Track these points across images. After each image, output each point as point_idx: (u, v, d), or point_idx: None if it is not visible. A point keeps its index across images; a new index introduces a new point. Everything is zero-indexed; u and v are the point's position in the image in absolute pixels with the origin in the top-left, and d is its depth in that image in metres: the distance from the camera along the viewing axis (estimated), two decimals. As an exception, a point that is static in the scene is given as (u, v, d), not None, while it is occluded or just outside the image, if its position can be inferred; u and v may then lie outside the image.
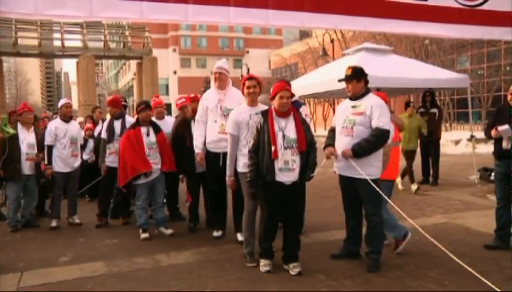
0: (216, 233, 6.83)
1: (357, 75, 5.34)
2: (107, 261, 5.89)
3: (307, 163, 5.13)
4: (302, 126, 5.16)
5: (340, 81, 5.47)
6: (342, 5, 4.40)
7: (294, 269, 5.15)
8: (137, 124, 7.08)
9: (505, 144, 5.89)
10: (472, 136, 12.24)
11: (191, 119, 7.31)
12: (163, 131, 7.21)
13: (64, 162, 7.82)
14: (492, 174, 7.29)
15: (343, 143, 5.33)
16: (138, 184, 7.01)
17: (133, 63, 44.28)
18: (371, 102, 5.27)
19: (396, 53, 14.96)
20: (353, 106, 5.30)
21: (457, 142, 20.87)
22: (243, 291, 4.81)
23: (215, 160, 6.53)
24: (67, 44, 32.68)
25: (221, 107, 6.51)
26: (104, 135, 7.88)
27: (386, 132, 5.23)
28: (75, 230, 7.66)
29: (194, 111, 7.10)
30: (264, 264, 5.30)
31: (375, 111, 5.19)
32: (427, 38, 21.24)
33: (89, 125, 10.21)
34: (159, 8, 3.85)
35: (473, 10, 4.94)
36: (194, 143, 6.71)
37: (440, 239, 6.45)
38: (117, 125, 7.86)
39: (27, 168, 7.45)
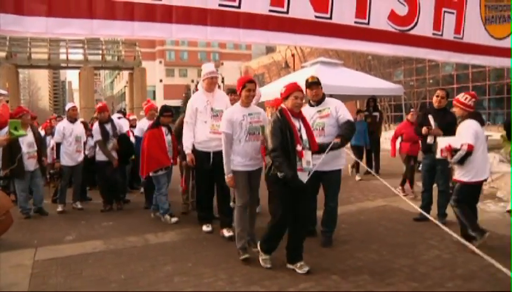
0: (228, 234, 5.70)
1: (319, 82, 5.39)
2: (105, 240, 5.88)
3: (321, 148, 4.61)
4: (310, 127, 4.65)
5: (309, 85, 5.41)
6: (301, 26, 4.42)
7: (302, 267, 4.44)
8: (159, 124, 6.91)
9: (429, 139, 6.13)
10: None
11: None
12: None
13: (70, 157, 7.86)
14: (420, 165, 7.51)
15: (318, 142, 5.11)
16: (159, 175, 6.80)
17: (125, 73, 43.82)
18: (334, 104, 5.31)
19: (345, 66, 15.11)
20: (319, 111, 5.27)
21: (394, 139, 21.00)
22: (218, 264, 4.82)
23: (205, 159, 5.84)
24: (71, 57, 32.28)
25: (211, 109, 5.86)
26: (98, 137, 7.77)
27: (354, 123, 5.33)
28: (78, 214, 7.61)
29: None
30: (264, 259, 4.64)
31: (340, 110, 5.23)
32: (369, 54, 21.53)
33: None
34: (148, 27, 3.82)
35: (404, 33, 5.03)
36: (184, 145, 5.99)
37: (381, 218, 6.61)
38: (108, 127, 7.85)
39: (29, 165, 7.23)
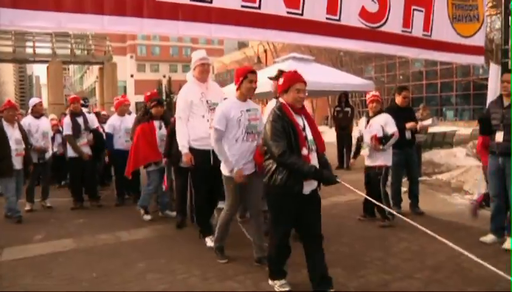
0: (211, 244, 5.05)
1: (280, 77, 5.35)
2: (75, 238, 5.75)
3: (324, 163, 3.78)
4: (315, 124, 3.86)
5: (270, 78, 5.41)
6: (273, 21, 4.45)
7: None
8: (150, 118, 6.63)
9: (407, 135, 6.32)
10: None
11: None
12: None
13: (37, 154, 7.55)
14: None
15: None
16: (150, 170, 6.61)
17: (95, 68, 43.15)
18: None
19: (317, 62, 15.21)
20: None
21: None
22: (192, 260, 4.81)
23: (205, 158, 5.03)
24: (38, 51, 31.44)
25: (207, 101, 5.12)
26: (69, 131, 7.50)
27: None
28: (47, 213, 7.44)
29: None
30: (281, 285, 3.90)
31: None
32: (341, 50, 21.74)
33: (55, 121, 9.82)
34: (118, 21, 3.77)
35: (375, 30, 5.12)
36: (180, 143, 5.15)
37: (352, 212, 6.70)
38: (80, 120, 7.61)
39: (17, 163, 6.86)
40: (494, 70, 6.50)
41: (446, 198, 7.75)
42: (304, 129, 3.64)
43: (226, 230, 4.66)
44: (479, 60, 6.81)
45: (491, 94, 6.32)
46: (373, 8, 5.13)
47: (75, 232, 6.07)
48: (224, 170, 4.45)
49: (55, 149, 8.87)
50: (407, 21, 5.53)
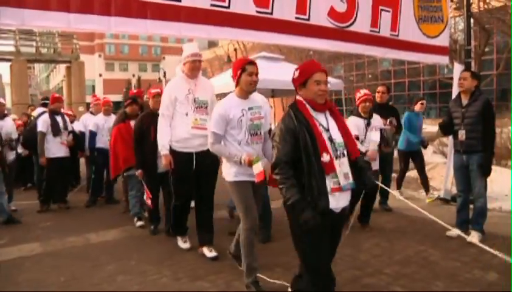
0: (210, 254, 4.72)
1: None
2: (42, 242, 5.62)
3: (362, 168, 3.09)
4: (345, 123, 3.17)
5: None
6: (242, 20, 4.46)
7: None
8: (126, 118, 6.30)
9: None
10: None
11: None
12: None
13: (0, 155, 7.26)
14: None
15: None
16: (130, 174, 6.23)
17: (62, 66, 42.12)
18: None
19: (287, 61, 15.29)
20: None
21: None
22: (162, 261, 4.78)
23: (187, 162, 4.63)
24: (0, 48, 30.44)
25: (194, 100, 4.64)
26: (44, 128, 7.25)
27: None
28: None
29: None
30: None
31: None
32: (311, 49, 21.93)
33: (19, 122, 9.58)
34: (85, 19, 3.71)
35: (343, 30, 5.19)
36: (160, 143, 4.72)
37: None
38: (59, 119, 7.43)
39: None
40: (458, 69, 6.68)
41: (413, 194, 7.93)
42: (328, 129, 2.95)
43: (253, 252, 3.86)
44: (444, 60, 7.00)
45: (455, 93, 6.51)
46: (341, 8, 5.20)
47: (42, 236, 5.94)
48: (229, 176, 3.87)
49: (20, 151, 8.64)
50: (374, 21, 5.63)
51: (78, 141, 7.90)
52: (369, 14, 5.54)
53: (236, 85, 3.88)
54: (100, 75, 67.34)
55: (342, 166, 2.89)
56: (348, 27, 5.28)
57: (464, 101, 5.22)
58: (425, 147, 7.76)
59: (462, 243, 5.01)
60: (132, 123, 6.10)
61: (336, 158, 2.87)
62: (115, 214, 7.07)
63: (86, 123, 8.23)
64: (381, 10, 5.68)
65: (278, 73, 11.25)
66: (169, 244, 5.27)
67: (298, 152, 2.83)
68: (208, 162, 4.63)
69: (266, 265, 4.31)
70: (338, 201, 2.88)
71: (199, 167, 4.64)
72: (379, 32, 5.70)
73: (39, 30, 28.96)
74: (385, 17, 5.74)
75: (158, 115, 5.20)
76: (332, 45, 5.31)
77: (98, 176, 7.88)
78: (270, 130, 4.07)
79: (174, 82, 4.84)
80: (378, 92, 6.67)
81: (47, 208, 7.47)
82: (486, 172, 5.11)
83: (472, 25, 10.44)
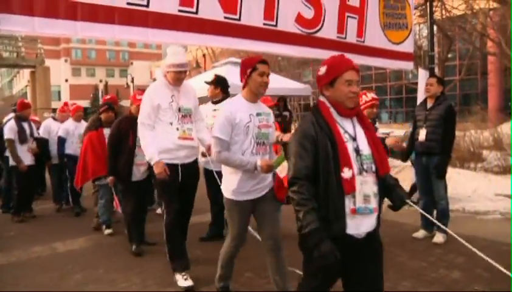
0: (184, 283, 4.10)
1: (215, 83, 5.38)
2: (5, 253, 5.46)
3: (390, 186, 2.63)
4: (376, 133, 2.79)
5: (207, 82, 5.51)
6: (210, 26, 4.47)
7: None
8: (100, 125, 5.96)
9: None
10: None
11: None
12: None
13: None
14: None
15: None
16: (101, 185, 6.01)
17: (26, 72, 41.13)
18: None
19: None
20: (214, 109, 5.21)
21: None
22: (131, 269, 4.72)
23: (172, 174, 4.14)
24: (-42, 53, 29.44)
25: (179, 109, 4.20)
26: (11, 135, 7.06)
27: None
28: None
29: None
30: None
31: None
32: (278, 55, 22.10)
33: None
34: (50, 23, 3.64)
35: (310, 36, 5.27)
36: (148, 154, 4.13)
37: (292, 214, 6.82)
38: (26, 126, 7.25)
39: None
40: (422, 75, 6.87)
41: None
42: (355, 138, 2.47)
43: (231, 266, 3.75)
44: (408, 65, 7.18)
45: (420, 97, 6.68)
46: (308, 14, 5.27)
47: (5, 246, 5.76)
48: (227, 192, 3.49)
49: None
50: (341, 27, 5.73)
51: (43, 148, 7.72)
52: (335, 21, 5.64)
53: (244, 86, 3.45)
54: (66, 81, 66.14)
55: (364, 185, 2.41)
56: (315, 33, 5.36)
57: (429, 105, 5.40)
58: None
59: (428, 244, 5.15)
60: (106, 131, 5.78)
61: (360, 173, 2.39)
62: (82, 222, 6.93)
63: (49, 129, 8.05)
64: (347, 16, 5.79)
65: (247, 78, 11.37)
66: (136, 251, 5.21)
67: (316, 164, 2.40)
68: (192, 175, 4.36)
69: (237, 270, 4.31)
70: (359, 225, 2.40)
71: (184, 180, 4.24)
72: (345, 38, 5.81)
73: (0, 33, 28.24)
74: (352, 24, 5.86)
75: (136, 120, 4.94)
76: (300, 51, 5.38)
77: (72, 183, 7.59)
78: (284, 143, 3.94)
79: (155, 87, 4.31)
80: None
81: (22, 219, 7.27)
82: (441, 174, 5.26)
83: (435, 32, 10.77)
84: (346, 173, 2.36)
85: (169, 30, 4.15)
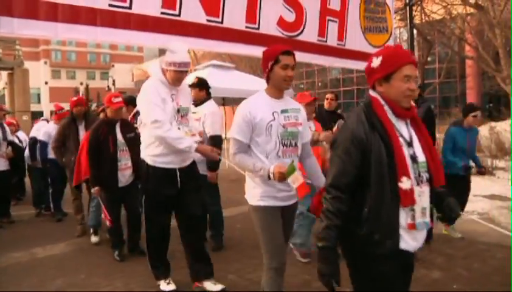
0: (216, 287, 4.02)
1: (199, 85, 5.35)
2: (-18, 259, 5.32)
3: (443, 197, 2.34)
4: (429, 137, 2.32)
5: (189, 85, 5.48)
6: (193, 29, 4.46)
7: None
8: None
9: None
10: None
11: (117, 121, 5.15)
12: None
13: None
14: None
15: None
16: None
17: (4, 73, 40.43)
18: (206, 110, 5.13)
19: (237, 69, 15.41)
20: (193, 112, 5.23)
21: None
22: (113, 273, 4.69)
23: (168, 180, 3.87)
24: None
25: (178, 110, 3.86)
26: None
27: (218, 137, 5.10)
28: None
29: (81, 114, 6.28)
30: None
31: (207, 119, 5.06)
32: (260, 58, 22.16)
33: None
34: (30, 25, 3.59)
35: (292, 39, 5.30)
36: (185, 144, 3.68)
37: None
38: None
39: None
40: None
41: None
42: (411, 143, 2.20)
43: None
44: (389, 68, 7.28)
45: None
46: (290, 17, 5.31)
47: (-17, 252, 5.65)
48: (252, 198, 3.02)
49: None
50: (322, 31, 5.78)
51: (18, 153, 7.58)
52: (316, 24, 5.69)
53: (267, 81, 3.07)
54: (46, 83, 65.21)
55: (422, 196, 2.14)
56: (296, 36, 5.40)
57: None
58: (482, 173, 6.08)
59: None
60: None
61: (418, 184, 2.13)
62: (62, 227, 6.84)
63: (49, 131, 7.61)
64: (328, 20, 5.84)
65: (228, 81, 11.37)
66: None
67: (365, 170, 2.10)
68: (192, 178, 4.06)
69: (219, 273, 4.32)
70: (413, 240, 2.16)
71: (183, 186, 3.94)
72: (326, 41, 5.86)
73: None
74: (332, 27, 5.92)
75: (115, 123, 5.08)
76: (282, 54, 5.42)
77: (54, 189, 7.42)
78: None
79: (154, 85, 3.86)
80: (327, 99, 6.86)
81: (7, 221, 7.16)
82: None
83: (415, 36, 10.93)
84: (404, 183, 2.08)
85: (151, 32, 4.14)
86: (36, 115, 11.42)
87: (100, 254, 5.36)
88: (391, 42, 7.12)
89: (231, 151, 2.99)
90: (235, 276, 4.41)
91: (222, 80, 10.73)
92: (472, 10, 14.21)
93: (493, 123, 14.19)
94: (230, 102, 13.00)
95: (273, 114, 2.94)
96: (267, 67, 2.99)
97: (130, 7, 3.97)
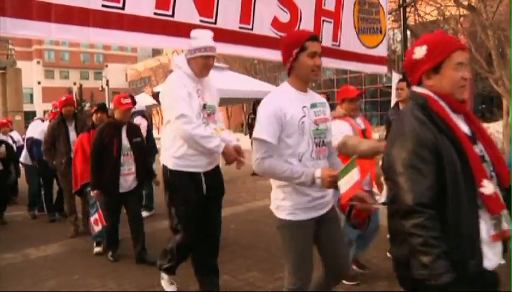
0: (169, 288, 3.96)
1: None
2: (-26, 260, 5.28)
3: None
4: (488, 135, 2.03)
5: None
6: (186, 29, 4.44)
7: None
8: (92, 127, 5.52)
9: None
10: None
11: (124, 123, 4.98)
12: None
13: None
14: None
15: None
16: (89, 191, 5.32)
17: (-4, 74, 40.27)
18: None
19: (231, 70, 15.41)
20: None
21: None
22: (106, 274, 4.67)
23: (194, 185, 3.53)
24: None
25: (204, 106, 3.50)
26: None
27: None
28: None
29: (70, 115, 6.22)
30: None
31: None
32: (254, 58, 22.17)
33: None
34: (23, 24, 3.57)
35: (285, 39, 5.30)
36: (213, 144, 3.31)
37: (268, 217, 6.85)
38: None
39: None
40: (396, 78, 6.99)
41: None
42: (475, 141, 1.90)
43: None
44: (382, 69, 7.30)
45: (394, 100, 6.82)
46: (284, 18, 5.31)
47: (-25, 253, 5.61)
48: (281, 211, 2.62)
49: None
50: (317, 31, 5.79)
51: (11, 153, 7.52)
52: (311, 25, 5.69)
53: (289, 72, 2.65)
54: (39, 83, 64.90)
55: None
56: (289, 35, 5.41)
57: (402, 108, 5.49)
58: None
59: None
60: None
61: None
62: (55, 228, 6.82)
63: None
64: (323, 20, 5.85)
65: (221, 82, 11.35)
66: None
67: (440, 179, 1.75)
68: (217, 185, 3.75)
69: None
70: (495, 254, 1.80)
71: (208, 192, 3.60)
72: (321, 42, 5.87)
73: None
74: (327, 28, 5.93)
75: (122, 125, 4.93)
76: (275, 55, 5.37)
77: (47, 190, 7.39)
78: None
79: (179, 77, 3.54)
80: None
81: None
82: None
83: (408, 36, 10.98)
84: (487, 187, 1.74)
85: (145, 32, 4.12)
86: (29, 115, 11.36)
87: (93, 255, 5.33)
88: (384, 43, 7.15)
89: (258, 155, 2.50)
90: (229, 277, 4.40)
91: (215, 81, 10.73)
92: (465, 12, 14.27)
93: (485, 124, 14.28)
94: (223, 103, 12.96)
95: (303, 109, 2.54)
96: (290, 56, 2.56)
97: (123, 8, 3.96)
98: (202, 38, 3.55)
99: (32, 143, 7.51)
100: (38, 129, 7.44)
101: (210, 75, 3.76)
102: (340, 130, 3.64)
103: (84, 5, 3.75)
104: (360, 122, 4.10)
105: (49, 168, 6.66)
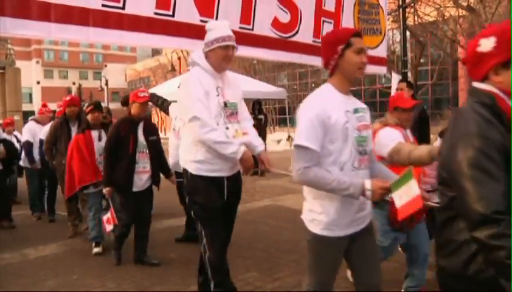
0: None
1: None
2: (-29, 261, 5.24)
3: None
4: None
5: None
6: (187, 29, 4.45)
7: None
8: (87, 127, 5.34)
9: None
10: (289, 136, 13.16)
11: (141, 120, 4.79)
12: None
13: None
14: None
15: None
16: (89, 193, 5.37)
17: (-5, 73, 40.22)
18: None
19: (230, 69, 15.42)
20: None
21: (279, 141, 21.92)
22: (105, 274, 4.66)
23: (216, 191, 3.25)
24: None
25: (225, 104, 3.23)
26: None
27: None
28: None
29: (74, 115, 6.12)
30: None
31: None
32: (254, 58, 22.17)
33: None
34: (23, 24, 3.57)
35: (286, 40, 5.30)
36: (229, 150, 3.04)
37: (267, 217, 6.86)
38: None
39: None
40: (395, 79, 7.01)
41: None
42: None
43: None
44: (382, 70, 7.31)
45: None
46: (285, 18, 5.31)
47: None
48: (315, 225, 2.40)
49: None
50: (317, 32, 5.79)
51: (12, 152, 7.48)
52: (311, 25, 5.69)
53: (332, 71, 2.44)
54: (38, 83, 64.89)
55: None
56: (290, 37, 5.41)
57: None
58: None
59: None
60: (94, 133, 5.35)
61: None
62: (54, 228, 6.79)
63: (33, 132, 7.52)
64: (323, 21, 5.85)
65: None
66: (111, 257, 5.14)
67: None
68: (237, 191, 3.49)
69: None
70: None
71: (229, 199, 3.34)
72: (321, 42, 5.88)
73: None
74: (327, 28, 5.91)
75: (139, 122, 4.74)
76: (275, 55, 5.42)
77: (51, 190, 7.30)
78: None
79: (196, 75, 3.25)
80: None
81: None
82: None
83: (408, 37, 11.01)
84: None
85: (145, 32, 4.12)
86: (28, 115, 11.42)
87: (92, 255, 5.30)
88: (384, 44, 7.15)
89: (301, 164, 2.27)
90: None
91: (235, 78, 10.78)
92: (464, 12, 14.30)
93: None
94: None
95: (346, 114, 2.33)
96: (335, 53, 2.35)
97: (123, 7, 3.95)
98: (219, 28, 3.28)
99: (30, 145, 7.47)
100: (43, 130, 7.41)
101: (230, 73, 3.54)
102: (391, 137, 3.34)
103: (84, 5, 3.74)
104: (410, 135, 3.72)
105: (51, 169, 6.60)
